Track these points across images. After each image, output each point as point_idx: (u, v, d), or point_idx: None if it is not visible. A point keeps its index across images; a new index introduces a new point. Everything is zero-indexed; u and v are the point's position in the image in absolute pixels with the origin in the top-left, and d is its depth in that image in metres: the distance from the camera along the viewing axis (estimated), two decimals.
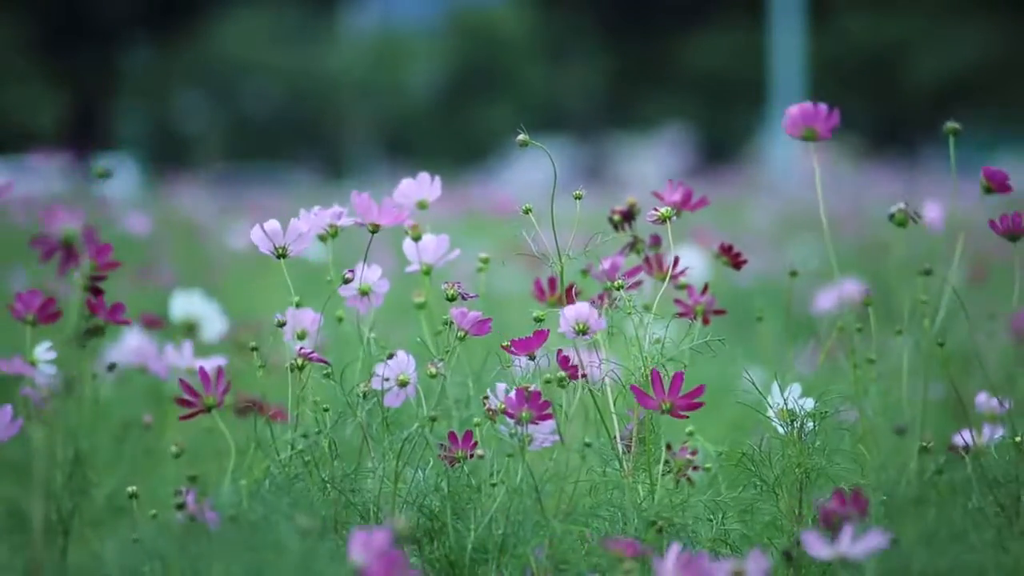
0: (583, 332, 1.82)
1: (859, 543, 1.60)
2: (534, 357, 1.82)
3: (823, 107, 1.91)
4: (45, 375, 1.97)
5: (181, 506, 1.71)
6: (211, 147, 22.50)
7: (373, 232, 1.92)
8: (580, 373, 1.83)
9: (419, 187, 2.00)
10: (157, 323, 2.90)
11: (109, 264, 1.98)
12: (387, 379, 1.82)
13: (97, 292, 1.98)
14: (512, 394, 1.78)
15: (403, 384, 1.84)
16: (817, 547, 1.60)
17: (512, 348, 1.83)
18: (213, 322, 2.91)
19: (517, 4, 25.10)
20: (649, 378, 1.79)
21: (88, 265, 1.85)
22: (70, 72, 23.39)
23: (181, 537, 1.62)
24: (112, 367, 2.21)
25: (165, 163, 17.27)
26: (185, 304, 2.91)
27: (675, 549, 1.60)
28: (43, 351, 1.97)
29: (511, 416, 1.77)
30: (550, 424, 1.82)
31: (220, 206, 8.67)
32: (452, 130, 23.69)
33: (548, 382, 1.81)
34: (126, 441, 2.45)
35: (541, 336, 1.82)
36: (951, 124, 1.93)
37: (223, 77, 24.19)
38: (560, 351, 1.83)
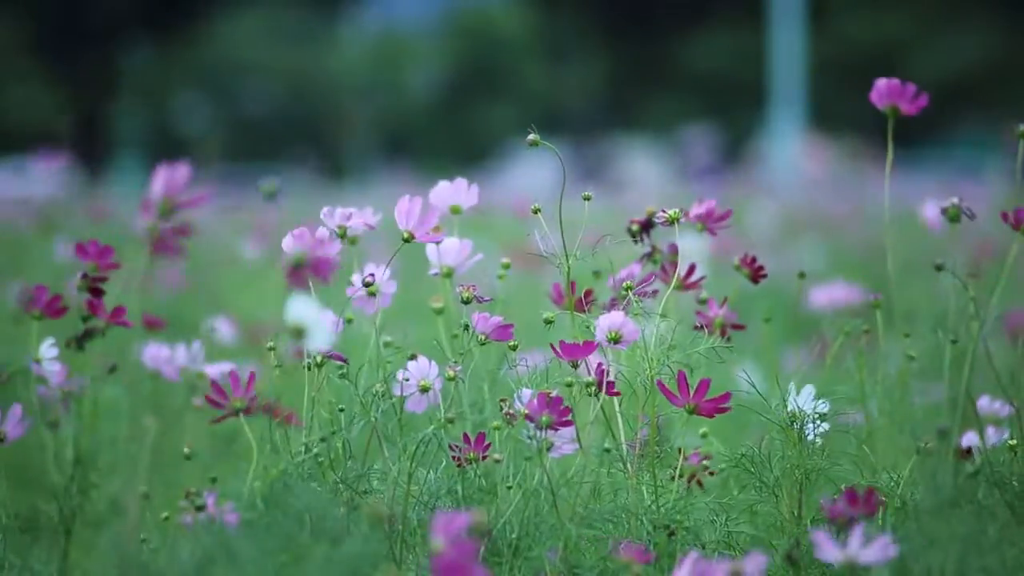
0: (616, 341, 1.82)
1: (871, 548, 1.52)
2: (576, 365, 1.82)
3: (912, 86, 1.99)
4: (52, 373, 1.97)
5: (200, 507, 1.71)
6: (211, 147, 22.48)
7: (407, 241, 1.90)
8: (612, 389, 1.82)
9: (455, 191, 1.98)
10: (158, 324, 2.90)
11: (110, 265, 1.98)
12: (408, 384, 1.83)
13: (97, 293, 1.99)
14: (535, 399, 1.78)
15: (424, 390, 1.84)
16: (826, 549, 1.53)
17: (559, 352, 1.82)
18: (320, 332, 2.88)
19: (517, 4, 25.08)
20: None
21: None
22: (70, 73, 23.37)
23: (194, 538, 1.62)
24: (113, 369, 2.21)
25: (165, 163, 17.22)
26: (300, 310, 2.88)
27: (692, 557, 1.57)
28: (47, 348, 1.97)
29: (531, 420, 1.77)
30: (570, 431, 1.81)
31: (220, 206, 8.65)
32: (452, 130, 23.66)
33: (569, 385, 1.81)
34: (131, 443, 2.45)
35: (590, 346, 1.82)
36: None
37: (223, 77, 24.17)
38: (600, 364, 1.83)
